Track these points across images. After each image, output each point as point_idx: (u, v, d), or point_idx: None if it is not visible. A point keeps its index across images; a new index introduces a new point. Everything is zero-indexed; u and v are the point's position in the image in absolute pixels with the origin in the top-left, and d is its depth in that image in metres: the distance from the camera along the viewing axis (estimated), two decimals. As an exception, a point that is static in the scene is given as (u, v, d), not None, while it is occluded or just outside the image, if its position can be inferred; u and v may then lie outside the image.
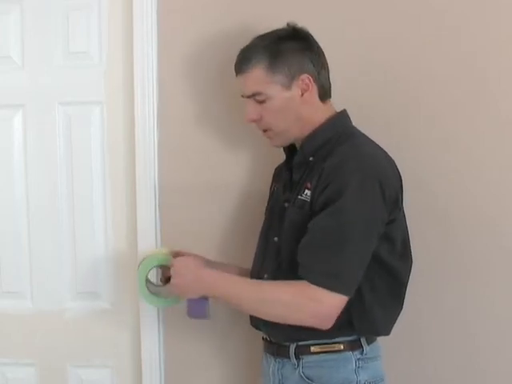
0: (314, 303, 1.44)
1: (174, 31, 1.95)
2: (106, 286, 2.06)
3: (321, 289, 1.42)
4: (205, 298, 1.60)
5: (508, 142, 1.77)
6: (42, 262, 2.08)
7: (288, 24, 1.62)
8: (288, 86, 1.57)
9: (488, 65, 1.76)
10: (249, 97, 1.60)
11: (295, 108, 1.58)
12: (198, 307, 1.62)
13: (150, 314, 2.00)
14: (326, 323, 1.46)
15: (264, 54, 1.57)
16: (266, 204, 1.76)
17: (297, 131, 1.60)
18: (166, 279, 1.69)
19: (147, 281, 1.72)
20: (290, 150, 1.67)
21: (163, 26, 1.94)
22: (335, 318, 1.45)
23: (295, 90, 1.57)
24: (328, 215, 1.45)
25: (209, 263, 1.70)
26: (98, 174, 2.03)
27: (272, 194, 1.75)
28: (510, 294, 1.79)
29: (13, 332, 2.11)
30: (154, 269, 1.81)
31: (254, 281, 1.62)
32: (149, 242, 1.97)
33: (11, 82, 2.06)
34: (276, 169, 1.80)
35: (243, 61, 1.60)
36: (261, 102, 1.59)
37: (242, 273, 1.72)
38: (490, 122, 1.77)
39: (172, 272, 1.62)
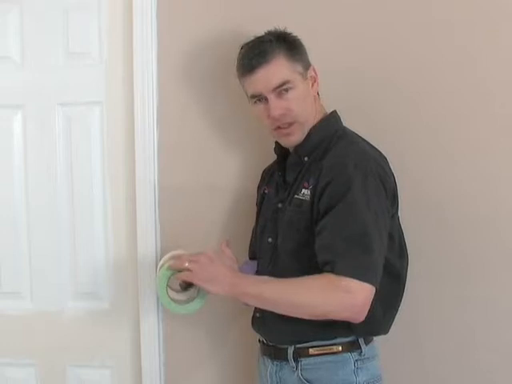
0: (347, 295, 1.39)
1: (174, 31, 1.94)
2: (106, 287, 2.06)
3: (352, 280, 1.38)
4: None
5: (506, 142, 1.77)
6: (42, 263, 2.08)
7: (274, 28, 1.60)
8: (304, 76, 1.55)
9: (488, 66, 1.76)
10: (274, 89, 1.52)
11: (311, 99, 1.57)
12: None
13: (149, 314, 2.00)
14: (360, 315, 1.42)
15: (280, 44, 1.53)
16: (261, 205, 1.73)
17: (310, 124, 1.57)
18: (186, 285, 1.57)
19: (167, 288, 1.57)
20: (282, 151, 1.65)
21: (163, 26, 1.94)
22: (367, 310, 1.42)
23: (308, 81, 1.57)
24: (339, 213, 1.43)
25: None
26: (98, 174, 2.03)
27: (263, 197, 1.72)
28: (508, 290, 1.79)
29: (13, 332, 2.11)
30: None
31: (280, 280, 1.49)
32: (148, 242, 1.97)
33: (11, 82, 2.06)
34: (264, 171, 1.79)
35: (261, 54, 1.52)
36: (283, 94, 1.52)
37: None
38: (489, 122, 1.77)
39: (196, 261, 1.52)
